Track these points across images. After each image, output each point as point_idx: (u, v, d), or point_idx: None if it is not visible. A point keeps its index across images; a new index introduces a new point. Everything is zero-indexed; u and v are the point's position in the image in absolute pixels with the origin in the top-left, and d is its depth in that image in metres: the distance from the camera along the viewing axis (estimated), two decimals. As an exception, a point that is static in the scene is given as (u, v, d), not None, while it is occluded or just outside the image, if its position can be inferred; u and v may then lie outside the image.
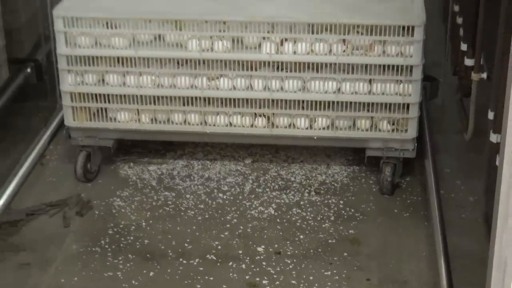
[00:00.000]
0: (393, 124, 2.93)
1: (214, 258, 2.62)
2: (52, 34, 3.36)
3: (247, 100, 2.94)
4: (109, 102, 2.99)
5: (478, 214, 2.68)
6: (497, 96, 2.13)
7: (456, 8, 3.14)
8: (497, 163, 2.11)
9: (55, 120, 3.40)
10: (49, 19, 3.43)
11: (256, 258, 2.62)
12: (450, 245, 2.54)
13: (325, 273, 2.54)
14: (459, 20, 3.03)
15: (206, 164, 3.19)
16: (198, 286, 2.49)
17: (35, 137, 3.30)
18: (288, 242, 2.69)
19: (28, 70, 3.56)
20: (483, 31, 2.57)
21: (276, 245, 2.68)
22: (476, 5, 2.70)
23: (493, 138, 2.15)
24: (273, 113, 2.96)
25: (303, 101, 2.93)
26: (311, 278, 2.52)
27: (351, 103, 2.92)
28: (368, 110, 2.93)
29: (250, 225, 2.80)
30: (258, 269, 2.56)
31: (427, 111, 3.21)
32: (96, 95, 2.98)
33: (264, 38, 2.87)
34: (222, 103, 2.96)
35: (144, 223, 2.80)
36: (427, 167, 3.05)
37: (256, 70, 2.91)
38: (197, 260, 2.61)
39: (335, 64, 2.87)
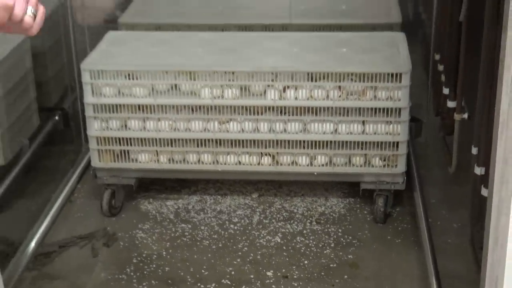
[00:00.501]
0: (385, 160, 2.93)
1: (229, 282, 2.62)
2: (77, 85, 3.41)
3: (254, 141, 2.94)
4: (131, 145, 2.98)
5: (463, 239, 2.68)
6: (479, 134, 2.16)
7: (437, 57, 3.17)
8: (482, 192, 2.14)
9: (82, 161, 3.40)
10: (75, 72, 3.49)
11: (266, 281, 2.62)
12: (440, 266, 2.54)
13: (328, 294, 2.55)
14: (440, 68, 3.05)
15: (218, 198, 3.18)
16: (216, 308, 2.49)
17: (64, 177, 3.29)
18: (294, 267, 2.69)
19: (56, 117, 3.54)
20: (464, 77, 2.60)
21: (283, 270, 2.68)
22: (456, 55, 2.73)
23: (477, 170, 2.16)
24: (277, 152, 2.95)
25: (304, 141, 2.93)
26: (316, 298, 2.52)
27: (346, 142, 2.91)
28: (362, 148, 2.92)
29: (259, 252, 2.79)
30: (268, 291, 2.57)
31: (413, 148, 3.23)
32: (119, 139, 2.97)
33: (268, 86, 2.88)
34: (231, 144, 2.95)
35: (164, 252, 2.79)
36: (416, 198, 3.05)
37: (261, 114, 2.91)
38: (213, 284, 2.62)
39: (332, 108, 2.86)
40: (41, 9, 1.36)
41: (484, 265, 1.66)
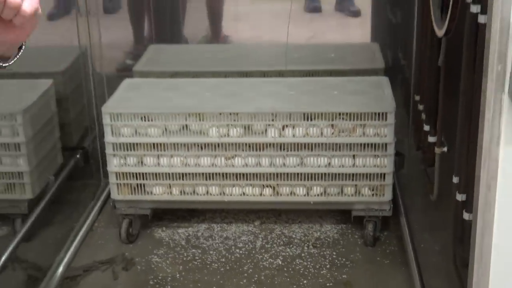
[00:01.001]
0: (373, 190, 2.95)
1: (237, 301, 2.64)
2: (97, 126, 3.44)
3: (256, 174, 2.96)
4: (146, 179, 3.00)
5: (445, 259, 2.68)
6: (460, 164, 2.16)
7: (417, 97, 3.10)
8: (464, 217, 2.13)
9: (101, 194, 3.41)
10: (94, 115, 3.52)
11: (270, 300, 2.65)
12: (425, 284, 2.57)
13: (326, 310, 2.57)
14: (420, 107, 3.00)
15: (224, 226, 3.20)
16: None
17: (85, 209, 3.31)
18: (294, 286, 2.71)
19: (78, 155, 3.54)
20: (443, 115, 2.59)
21: (285, 289, 2.71)
22: (435, 96, 2.69)
23: (459, 197, 2.14)
24: (277, 184, 2.97)
25: (301, 174, 2.95)
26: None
27: (339, 174, 2.93)
28: (352, 180, 2.94)
29: (263, 273, 2.81)
30: (272, 309, 2.58)
31: (398, 179, 3.24)
32: (136, 174, 3.00)
33: (268, 125, 2.91)
34: (236, 177, 2.97)
35: (178, 275, 2.81)
36: (402, 223, 3.06)
37: (263, 150, 2.94)
38: (222, 303, 2.64)
39: (325, 144, 2.89)
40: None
41: (470, 280, 1.69)
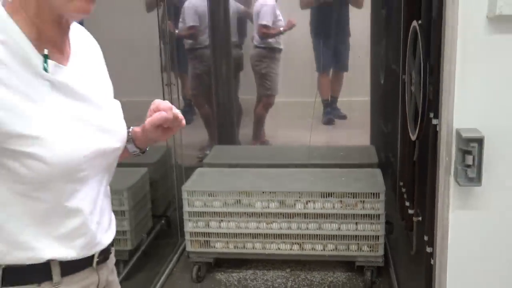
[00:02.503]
0: (370, 247, 2.97)
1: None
2: (176, 200, 3.47)
3: (287, 235, 3.00)
4: (210, 237, 3.05)
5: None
6: (428, 228, 2.13)
7: (401, 183, 3.04)
8: (431, 263, 2.13)
9: (179, 249, 3.44)
10: (175, 192, 3.55)
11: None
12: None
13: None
14: (403, 190, 2.95)
15: (265, 272, 3.20)
16: None
17: (167, 258, 3.34)
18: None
19: (162, 221, 3.60)
20: (418, 195, 2.58)
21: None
22: (412, 182, 2.68)
23: (428, 250, 2.09)
24: (302, 242, 3.00)
25: (319, 235, 2.98)
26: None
27: (346, 235, 2.95)
28: (355, 240, 2.96)
29: (292, 305, 2.78)
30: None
31: (388, 240, 3.22)
32: (203, 233, 3.05)
33: (296, 200, 2.96)
34: (274, 237, 3.01)
35: (231, 306, 2.81)
36: (391, 272, 3.05)
37: (292, 218, 2.98)
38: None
39: (336, 214, 2.94)
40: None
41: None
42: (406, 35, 2.68)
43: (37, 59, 1.09)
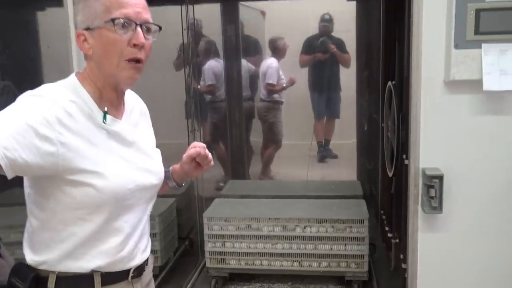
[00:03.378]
0: (357, 264, 2.94)
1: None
2: (198, 225, 3.47)
3: (289, 254, 2.98)
4: (226, 255, 3.04)
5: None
6: (404, 248, 2.14)
7: (382, 212, 3.20)
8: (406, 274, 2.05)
9: (199, 265, 3.39)
10: (197, 218, 3.55)
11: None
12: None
13: None
14: (384, 217, 3.08)
15: (270, 285, 3.15)
16: None
17: (189, 273, 3.30)
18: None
19: (186, 242, 3.59)
20: (396, 222, 2.63)
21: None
22: (390, 211, 2.77)
23: (404, 266, 2.13)
24: (301, 260, 2.98)
25: (315, 254, 2.95)
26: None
27: (337, 255, 2.93)
28: (345, 258, 2.94)
29: (292, 313, 2.73)
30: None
31: (372, 259, 3.19)
32: (220, 252, 3.03)
33: (296, 225, 2.95)
34: (278, 255, 2.99)
35: (243, 312, 2.77)
36: (374, 285, 3.02)
37: (293, 239, 2.97)
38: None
39: (329, 237, 2.92)
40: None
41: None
42: (384, 92, 2.79)
43: (99, 114, 1.19)
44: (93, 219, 1.19)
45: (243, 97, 4.64)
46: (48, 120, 1.09)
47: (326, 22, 4.78)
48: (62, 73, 1.27)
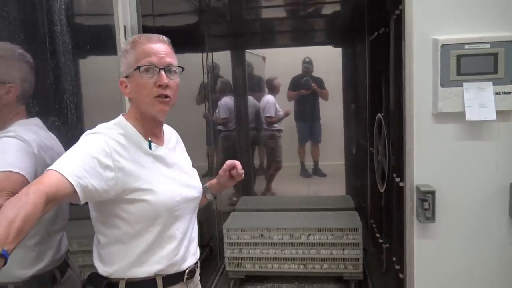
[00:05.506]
0: (353, 266, 2.91)
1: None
2: (217, 234, 3.40)
3: (296, 258, 2.95)
4: (242, 260, 3.01)
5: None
6: (396, 252, 2.10)
7: (372, 221, 3.10)
8: (400, 277, 1.97)
9: (220, 269, 3.35)
10: (216, 229, 3.48)
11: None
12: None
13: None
14: (374, 225, 2.97)
15: (280, 284, 3.10)
16: None
17: (211, 276, 3.23)
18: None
19: (207, 249, 3.50)
20: (386, 228, 2.54)
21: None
22: (380, 219, 2.68)
23: (397, 267, 2.07)
24: (306, 263, 2.95)
25: (318, 258, 2.92)
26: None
27: (336, 258, 2.91)
28: (343, 261, 2.91)
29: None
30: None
31: (365, 261, 3.10)
32: (237, 257, 3.00)
33: (301, 233, 2.93)
34: (286, 260, 2.96)
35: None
36: (369, 284, 2.96)
37: (299, 246, 2.94)
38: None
39: (329, 243, 2.90)
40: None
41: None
42: (372, 122, 2.80)
43: (145, 143, 1.26)
44: (151, 230, 1.22)
45: (249, 127, 4.66)
46: (107, 151, 1.15)
47: (307, 64, 4.93)
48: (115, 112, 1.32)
